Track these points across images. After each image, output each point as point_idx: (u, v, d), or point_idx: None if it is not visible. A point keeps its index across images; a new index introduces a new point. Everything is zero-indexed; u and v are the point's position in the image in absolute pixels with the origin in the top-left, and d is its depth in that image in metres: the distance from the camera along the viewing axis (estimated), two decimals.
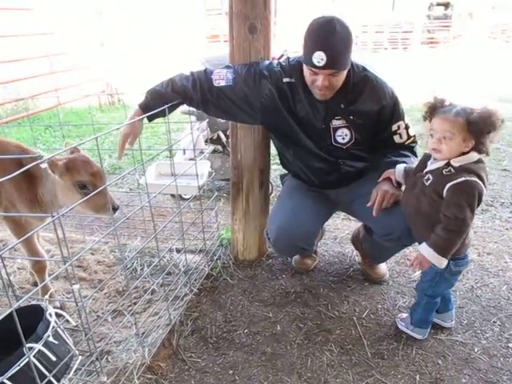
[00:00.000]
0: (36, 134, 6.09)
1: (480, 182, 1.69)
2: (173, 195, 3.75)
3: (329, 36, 1.85)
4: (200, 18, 16.36)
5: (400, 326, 2.17)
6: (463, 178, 1.68)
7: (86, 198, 1.72)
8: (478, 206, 1.75)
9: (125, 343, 2.05)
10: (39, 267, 2.33)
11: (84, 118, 7.25)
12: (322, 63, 1.87)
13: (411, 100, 6.05)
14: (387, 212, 2.04)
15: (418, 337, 2.10)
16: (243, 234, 2.71)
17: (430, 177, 1.80)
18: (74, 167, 1.94)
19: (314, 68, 1.91)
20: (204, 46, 13.94)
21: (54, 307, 2.16)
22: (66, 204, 2.13)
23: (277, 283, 2.56)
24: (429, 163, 1.83)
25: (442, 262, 1.81)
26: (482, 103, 1.71)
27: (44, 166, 1.30)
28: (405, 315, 2.19)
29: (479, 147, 1.71)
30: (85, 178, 1.95)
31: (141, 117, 2.07)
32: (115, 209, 2.00)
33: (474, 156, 1.73)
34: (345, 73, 1.98)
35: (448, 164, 1.75)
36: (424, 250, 1.82)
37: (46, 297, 1.70)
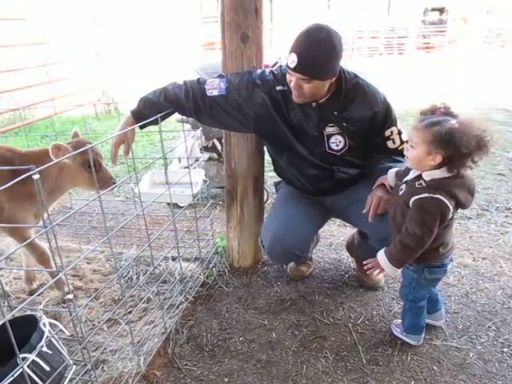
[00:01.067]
0: (32, 143, 6.09)
1: (445, 200, 1.66)
2: (169, 203, 3.75)
3: (308, 42, 1.88)
4: (196, 26, 16.43)
5: (395, 332, 2.18)
6: (426, 195, 1.68)
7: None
8: (442, 223, 1.73)
9: (120, 352, 2.05)
10: (43, 259, 2.39)
11: (80, 126, 7.22)
12: (292, 65, 1.91)
13: (406, 105, 6.08)
14: (382, 217, 2.05)
15: (413, 342, 2.11)
16: (238, 241, 2.71)
17: (404, 187, 1.81)
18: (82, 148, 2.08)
19: (288, 69, 1.95)
20: (200, 54, 13.98)
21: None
22: (73, 186, 2.35)
23: (272, 290, 2.56)
24: (411, 172, 1.83)
25: (394, 272, 1.85)
26: (461, 117, 1.66)
27: (36, 177, 1.30)
28: (399, 321, 2.20)
29: (448, 164, 1.68)
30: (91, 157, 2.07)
31: (132, 127, 2.08)
32: (114, 183, 2.29)
33: (445, 172, 1.70)
34: (321, 83, 1.97)
35: (420, 177, 1.75)
36: (380, 256, 1.86)
37: (41, 307, 1.70)
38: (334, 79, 2.02)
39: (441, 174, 1.71)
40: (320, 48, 1.87)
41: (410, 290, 2.00)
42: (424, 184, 1.73)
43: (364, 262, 1.96)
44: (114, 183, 2.29)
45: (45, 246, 2.40)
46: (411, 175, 1.81)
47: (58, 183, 2.28)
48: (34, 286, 2.61)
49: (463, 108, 1.78)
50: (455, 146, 1.60)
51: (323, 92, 2.05)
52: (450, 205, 1.68)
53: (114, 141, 2.09)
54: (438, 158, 1.67)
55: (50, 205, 2.47)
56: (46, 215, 1.49)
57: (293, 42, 1.93)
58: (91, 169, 2.04)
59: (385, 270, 1.85)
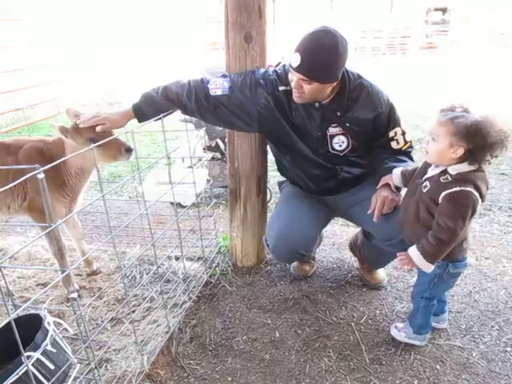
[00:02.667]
0: None
1: (475, 193, 1.67)
2: (172, 203, 3.76)
3: (313, 44, 1.89)
4: (200, 26, 16.45)
5: (399, 338, 2.13)
6: (458, 188, 1.68)
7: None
8: (473, 215, 1.74)
9: (124, 351, 2.05)
10: (60, 255, 2.38)
11: None
12: (295, 65, 1.92)
13: (410, 105, 6.08)
14: (388, 217, 2.05)
15: (419, 343, 2.09)
16: (241, 240, 2.72)
17: (428, 184, 1.80)
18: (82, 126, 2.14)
19: (291, 68, 1.96)
20: (204, 54, 13.99)
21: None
22: (90, 165, 2.32)
23: (275, 290, 2.57)
24: (429, 170, 1.83)
25: (428, 267, 1.83)
26: (483, 113, 1.68)
27: (41, 176, 1.31)
28: (400, 325, 2.16)
29: (469, 157, 1.68)
30: (93, 133, 2.13)
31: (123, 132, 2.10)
32: (130, 150, 2.22)
33: (468, 165, 1.71)
34: (321, 86, 1.98)
35: (445, 171, 1.75)
36: (413, 252, 1.84)
37: (45, 306, 1.71)
38: (335, 84, 2.03)
39: (466, 167, 1.71)
40: (324, 51, 1.88)
41: (429, 287, 1.98)
42: (450, 178, 1.73)
43: (397, 254, 1.94)
44: (129, 150, 2.22)
45: (65, 242, 2.43)
46: (432, 172, 1.81)
47: (79, 166, 2.31)
48: (94, 267, 2.72)
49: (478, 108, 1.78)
50: (482, 137, 1.61)
51: (323, 95, 2.06)
52: (479, 197, 1.70)
53: (102, 116, 2.13)
54: (460, 151, 1.67)
55: (81, 189, 2.47)
56: (49, 214, 1.49)
57: (298, 42, 1.94)
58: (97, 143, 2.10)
59: (417, 264, 1.83)
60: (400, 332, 2.14)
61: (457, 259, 1.91)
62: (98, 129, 2.12)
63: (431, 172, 1.82)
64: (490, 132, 1.61)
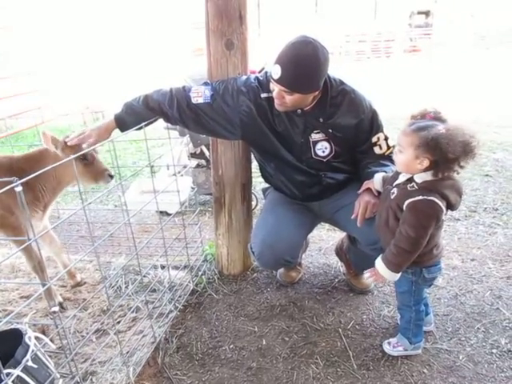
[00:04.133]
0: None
1: (439, 202, 1.68)
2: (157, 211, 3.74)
3: (294, 56, 1.89)
4: (186, 31, 16.45)
5: (396, 353, 2.08)
6: (421, 197, 1.69)
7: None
8: (437, 224, 1.74)
9: (109, 363, 2.03)
10: (38, 269, 2.34)
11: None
12: (275, 77, 1.93)
13: (393, 109, 6.12)
14: (371, 222, 2.05)
15: (418, 353, 2.07)
16: (227, 248, 2.71)
17: (396, 191, 1.81)
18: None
19: (272, 79, 1.97)
20: (189, 59, 13.98)
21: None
22: (69, 181, 2.33)
23: (262, 297, 2.56)
24: (400, 176, 1.84)
25: (393, 277, 1.83)
26: (449, 123, 1.68)
27: (19, 189, 1.29)
28: (393, 340, 2.12)
29: (434, 168, 1.69)
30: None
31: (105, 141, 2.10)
32: (111, 176, 2.31)
33: (431, 175, 1.71)
34: (303, 96, 1.99)
35: (411, 179, 1.76)
36: (378, 263, 1.85)
37: (26, 320, 1.68)
38: (317, 92, 2.03)
39: (431, 176, 1.72)
40: (305, 63, 1.89)
41: (411, 295, 1.98)
42: (416, 186, 1.74)
43: (365, 272, 1.95)
44: (110, 175, 2.30)
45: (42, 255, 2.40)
46: (401, 178, 1.82)
47: (56, 179, 2.30)
48: (78, 278, 2.69)
49: (452, 112, 1.78)
50: (441, 151, 1.61)
51: (305, 103, 2.06)
52: (443, 206, 1.70)
53: (87, 133, 2.14)
54: (426, 162, 1.68)
55: (52, 202, 2.44)
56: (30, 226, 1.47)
57: (279, 53, 1.94)
58: (84, 161, 2.18)
59: (384, 276, 1.83)
60: (396, 348, 2.08)
61: (430, 265, 1.91)
62: (85, 146, 2.12)
63: (401, 178, 1.83)
64: (450, 146, 1.60)
